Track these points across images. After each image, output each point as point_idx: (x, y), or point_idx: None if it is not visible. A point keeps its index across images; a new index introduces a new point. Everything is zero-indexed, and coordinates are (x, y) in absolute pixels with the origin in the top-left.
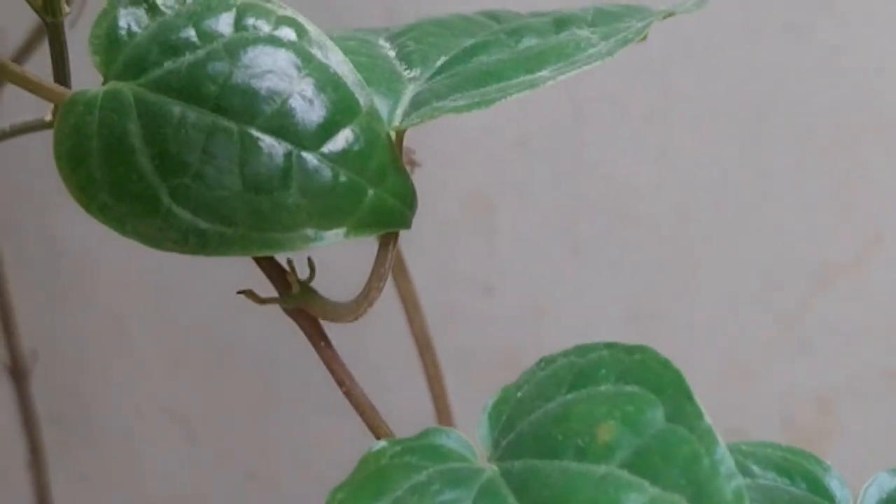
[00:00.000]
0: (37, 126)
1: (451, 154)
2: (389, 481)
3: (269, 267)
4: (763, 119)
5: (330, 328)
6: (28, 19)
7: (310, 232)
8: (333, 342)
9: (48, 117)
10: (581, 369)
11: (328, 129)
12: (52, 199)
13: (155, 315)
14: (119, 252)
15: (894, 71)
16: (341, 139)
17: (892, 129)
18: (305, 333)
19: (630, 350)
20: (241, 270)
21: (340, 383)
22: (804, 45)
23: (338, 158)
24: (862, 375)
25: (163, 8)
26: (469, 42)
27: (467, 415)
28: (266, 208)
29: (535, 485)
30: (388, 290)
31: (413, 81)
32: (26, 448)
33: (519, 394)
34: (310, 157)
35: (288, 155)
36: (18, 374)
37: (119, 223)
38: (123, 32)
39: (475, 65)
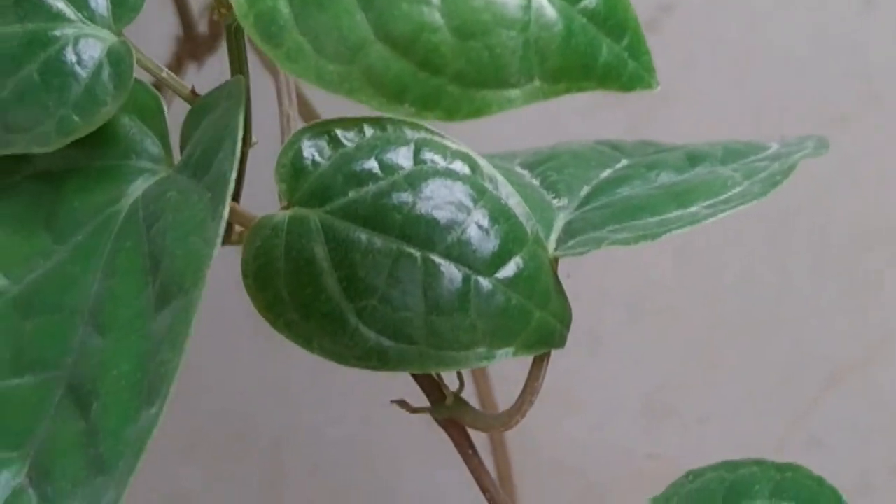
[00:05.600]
0: None
1: None
2: None
3: (422, 379)
4: (785, 222)
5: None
6: None
7: (482, 350)
8: None
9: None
10: (732, 484)
11: (501, 256)
12: None
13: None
14: None
15: None
16: (512, 266)
17: None
18: (454, 442)
19: (781, 468)
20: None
21: (485, 490)
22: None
23: (510, 283)
24: (870, 472)
25: (344, 140)
26: (606, 173)
27: None
28: (445, 328)
29: None
30: None
31: (562, 210)
32: None
33: None
34: (485, 282)
35: (466, 280)
36: None
37: (306, 340)
38: (308, 162)
39: (622, 197)
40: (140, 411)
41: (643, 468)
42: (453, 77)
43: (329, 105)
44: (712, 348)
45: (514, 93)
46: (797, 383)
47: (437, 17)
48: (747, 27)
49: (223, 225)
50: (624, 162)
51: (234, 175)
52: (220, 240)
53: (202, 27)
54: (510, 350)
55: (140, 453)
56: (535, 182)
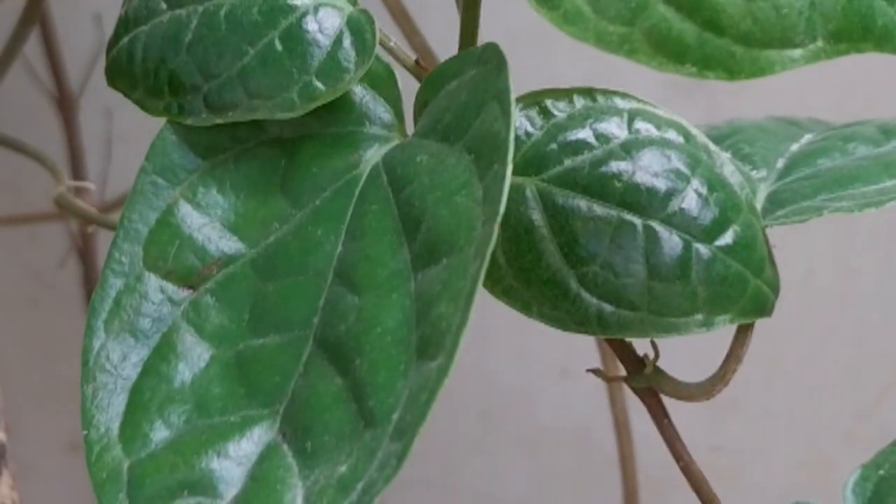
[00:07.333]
0: None
1: None
2: None
3: (619, 347)
4: (850, 218)
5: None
6: None
7: (701, 317)
8: None
9: None
10: None
11: (720, 224)
12: None
13: None
14: None
15: None
16: (730, 234)
17: None
18: (649, 410)
19: None
20: None
21: (678, 458)
22: None
23: (728, 251)
24: None
25: (554, 111)
26: (796, 146)
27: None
28: (666, 295)
29: None
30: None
31: (761, 181)
32: None
33: (880, 472)
34: (705, 250)
35: (687, 247)
36: None
37: (525, 306)
38: (521, 132)
39: (826, 168)
40: (409, 366)
41: (707, 461)
42: (738, 37)
43: None
44: (776, 342)
45: (796, 52)
46: (863, 377)
47: None
48: None
49: (507, 184)
50: (809, 136)
51: (511, 135)
52: (504, 196)
53: None
54: (727, 317)
55: (429, 405)
56: (728, 155)
